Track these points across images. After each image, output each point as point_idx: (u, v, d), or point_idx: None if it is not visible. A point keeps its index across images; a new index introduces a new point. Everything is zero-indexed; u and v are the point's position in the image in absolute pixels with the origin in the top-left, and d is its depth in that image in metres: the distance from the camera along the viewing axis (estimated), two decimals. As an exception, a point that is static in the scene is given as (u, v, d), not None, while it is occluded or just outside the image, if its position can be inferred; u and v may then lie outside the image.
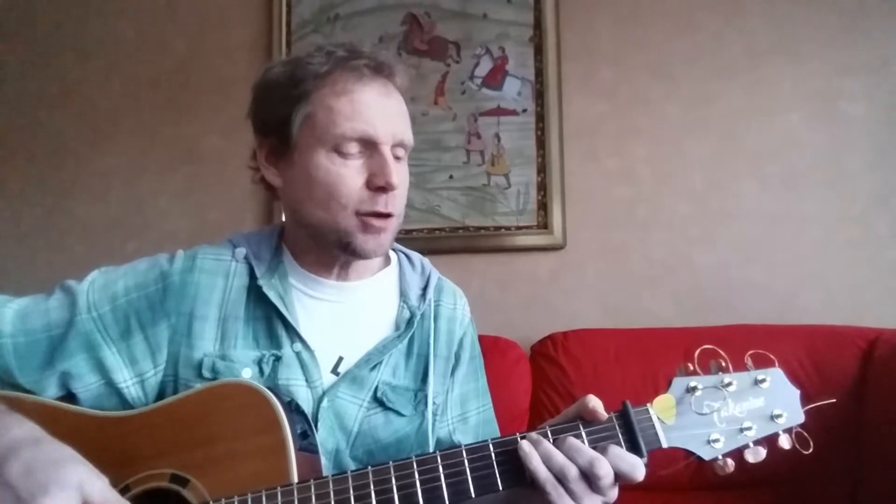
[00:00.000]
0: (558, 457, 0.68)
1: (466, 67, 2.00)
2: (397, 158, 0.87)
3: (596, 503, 0.68)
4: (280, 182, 0.89)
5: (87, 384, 0.82)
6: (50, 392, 0.82)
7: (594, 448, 0.69)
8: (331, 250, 0.88)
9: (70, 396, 0.83)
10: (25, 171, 2.16)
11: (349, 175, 0.83)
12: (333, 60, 0.84)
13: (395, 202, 0.85)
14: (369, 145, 0.84)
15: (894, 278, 1.79)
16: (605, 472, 0.67)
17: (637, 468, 0.68)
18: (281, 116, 0.85)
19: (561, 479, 0.68)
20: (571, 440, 0.70)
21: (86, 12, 2.19)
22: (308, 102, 0.84)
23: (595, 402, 0.72)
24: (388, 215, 0.84)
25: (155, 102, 2.14)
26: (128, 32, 2.17)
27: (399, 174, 0.84)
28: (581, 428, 0.72)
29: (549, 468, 0.68)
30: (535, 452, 0.69)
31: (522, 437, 0.71)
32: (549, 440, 0.71)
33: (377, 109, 0.84)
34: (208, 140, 2.08)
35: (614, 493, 0.69)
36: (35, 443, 0.66)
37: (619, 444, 0.70)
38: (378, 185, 0.82)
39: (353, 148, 0.83)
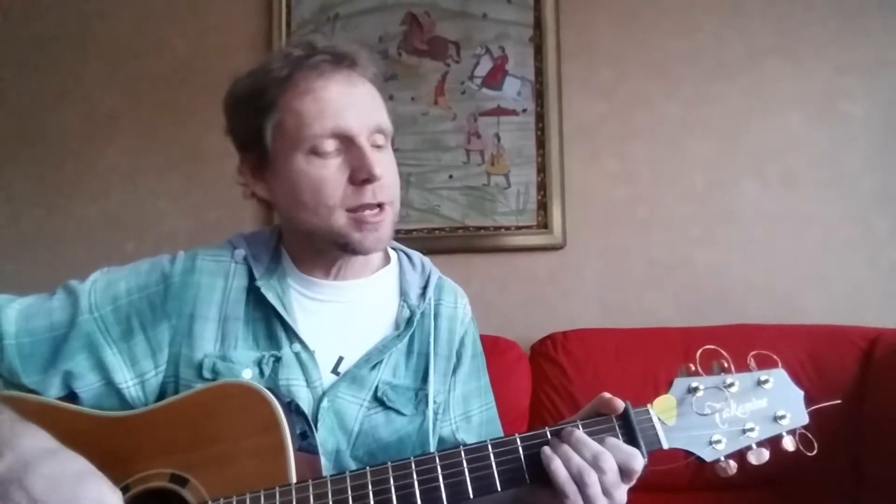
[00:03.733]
0: (576, 459, 0.68)
1: (466, 67, 2.00)
2: (378, 147, 0.85)
3: None
4: (269, 195, 0.89)
5: (88, 384, 0.82)
6: (53, 391, 0.82)
7: None
8: (330, 251, 0.87)
9: (72, 396, 0.83)
10: (25, 171, 2.16)
11: (331, 175, 0.82)
12: (292, 62, 0.83)
13: (384, 191, 0.83)
14: (345, 140, 0.82)
15: (894, 278, 1.79)
16: (608, 466, 0.67)
17: (633, 457, 0.68)
18: (253, 130, 0.84)
19: (579, 482, 0.67)
20: (578, 433, 0.70)
21: (86, 12, 2.18)
22: (275, 110, 0.83)
23: (610, 396, 0.74)
24: (379, 205, 0.83)
25: (155, 102, 2.14)
26: (128, 32, 2.17)
27: (382, 163, 0.83)
28: (580, 428, 0.71)
29: (569, 470, 0.68)
30: (556, 456, 0.69)
31: (523, 439, 0.71)
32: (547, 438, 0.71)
33: (344, 102, 0.82)
34: (208, 140, 2.07)
35: (622, 495, 0.69)
36: (51, 455, 0.67)
37: None
38: (362, 179, 0.81)
39: (330, 146, 0.81)
